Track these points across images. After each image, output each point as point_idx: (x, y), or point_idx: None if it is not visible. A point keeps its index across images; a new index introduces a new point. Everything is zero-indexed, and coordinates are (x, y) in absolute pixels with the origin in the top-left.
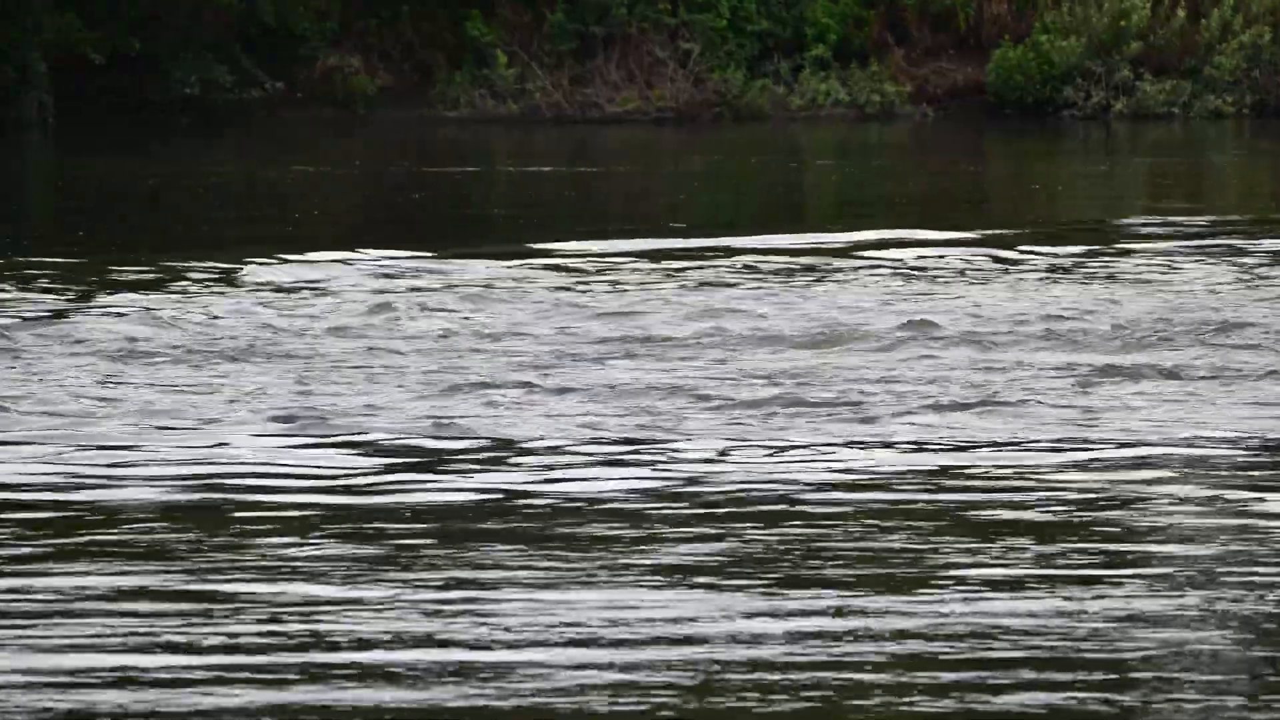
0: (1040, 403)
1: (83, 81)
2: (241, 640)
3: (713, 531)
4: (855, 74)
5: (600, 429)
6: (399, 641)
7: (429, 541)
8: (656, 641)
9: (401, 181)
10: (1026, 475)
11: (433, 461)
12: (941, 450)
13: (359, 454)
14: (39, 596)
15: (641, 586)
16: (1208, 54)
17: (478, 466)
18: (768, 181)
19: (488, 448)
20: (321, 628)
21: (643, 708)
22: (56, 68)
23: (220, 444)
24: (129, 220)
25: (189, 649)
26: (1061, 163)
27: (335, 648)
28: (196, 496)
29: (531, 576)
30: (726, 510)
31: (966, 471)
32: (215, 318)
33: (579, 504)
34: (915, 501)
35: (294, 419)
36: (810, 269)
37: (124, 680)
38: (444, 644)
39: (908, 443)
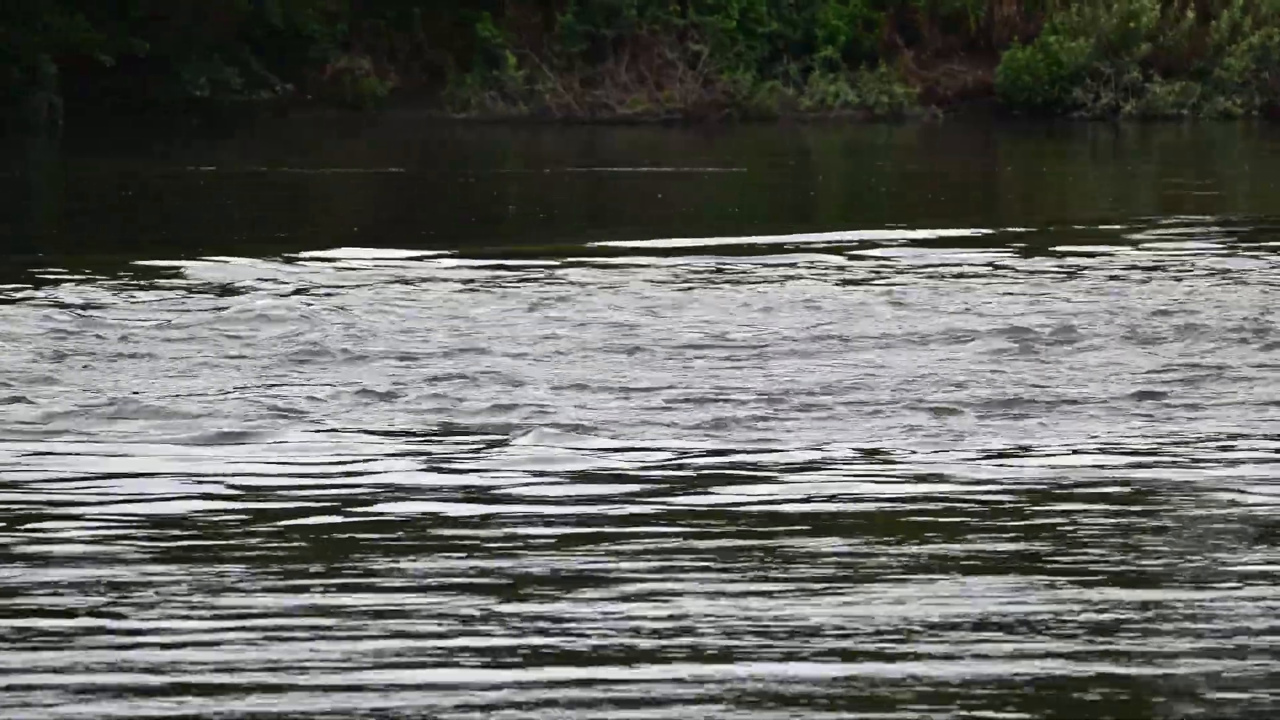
0: (1247, 400)
1: (90, 83)
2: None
3: (1017, 525)
4: (864, 76)
5: (828, 434)
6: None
7: (757, 546)
8: (1002, 636)
9: (434, 181)
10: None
11: (741, 466)
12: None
13: (640, 458)
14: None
15: (978, 580)
16: (1217, 55)
17: (782, 473)
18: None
19: (788, 453)
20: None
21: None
22: (64, 69)
23: (497, 447)
24: (154, 220)
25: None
26: (1115, 164)
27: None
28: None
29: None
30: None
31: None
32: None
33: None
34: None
35: (576, 427)
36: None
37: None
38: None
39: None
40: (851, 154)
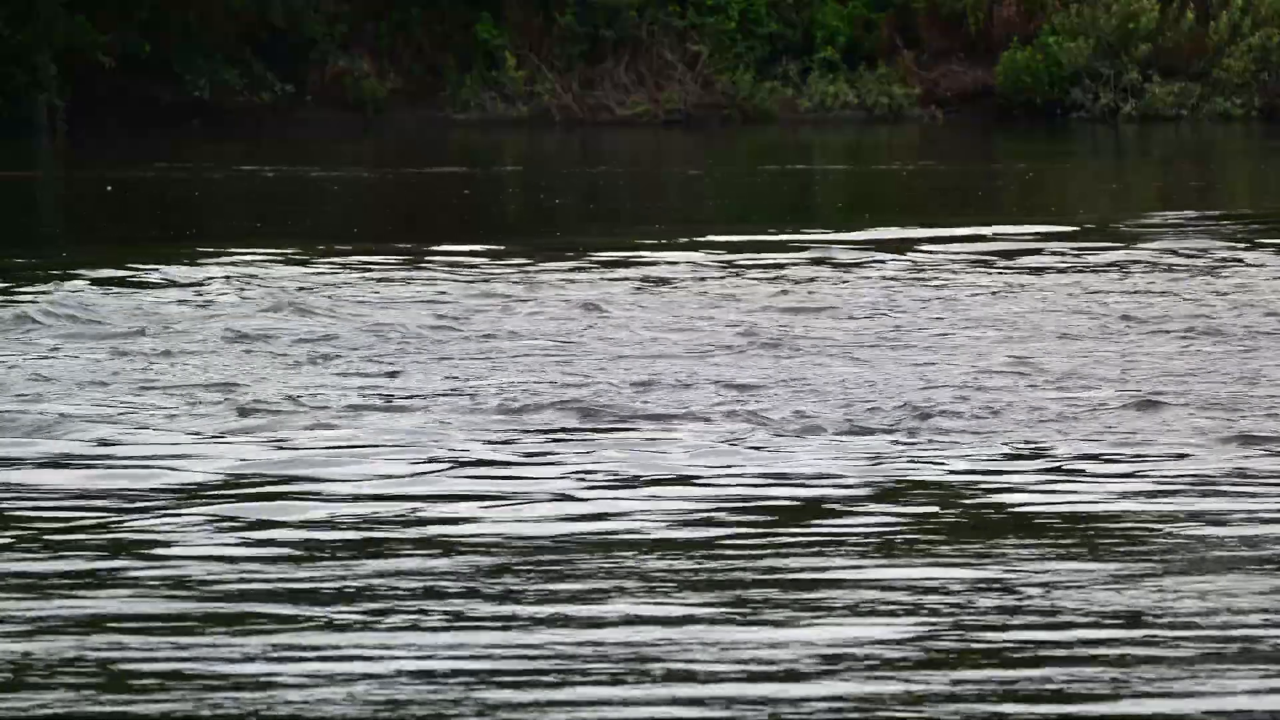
0: None
1: (92, 84)
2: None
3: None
4: (864, 76)
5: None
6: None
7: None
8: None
9: (448, 181)
10: None
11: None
12: None
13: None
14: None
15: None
16: (1216, 56)
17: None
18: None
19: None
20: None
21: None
22: (67, 70)
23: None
24: (167, 221)
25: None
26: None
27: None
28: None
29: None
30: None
31: None
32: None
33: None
34: None
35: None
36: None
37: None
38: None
39: None
40: (878, 153)
